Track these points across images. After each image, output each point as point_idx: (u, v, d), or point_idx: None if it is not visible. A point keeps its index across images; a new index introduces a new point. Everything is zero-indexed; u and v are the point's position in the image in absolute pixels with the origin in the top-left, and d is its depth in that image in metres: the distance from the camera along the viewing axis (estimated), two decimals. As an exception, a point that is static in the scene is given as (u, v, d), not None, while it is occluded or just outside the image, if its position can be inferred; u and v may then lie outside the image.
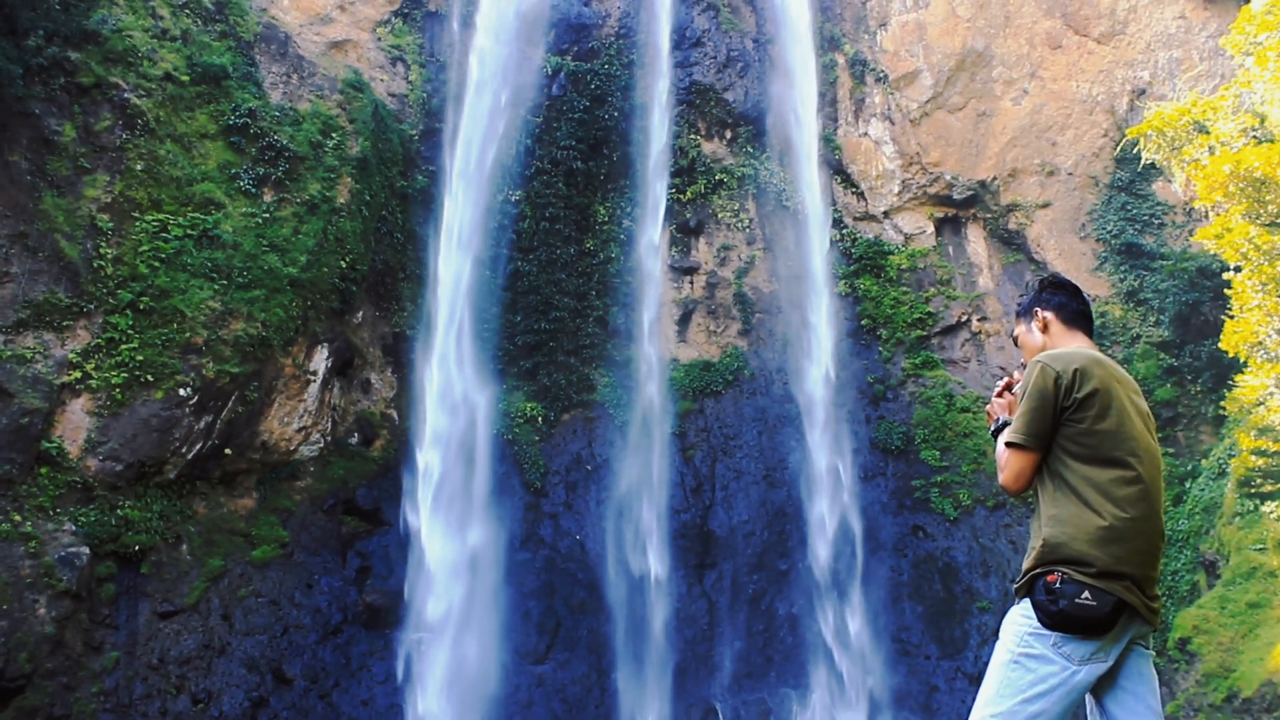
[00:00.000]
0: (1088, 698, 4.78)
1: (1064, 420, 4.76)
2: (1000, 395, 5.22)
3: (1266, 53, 21.32)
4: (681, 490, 26.88)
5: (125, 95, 22.64)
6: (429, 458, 25.82)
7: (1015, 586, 4.85)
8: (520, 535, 25.80)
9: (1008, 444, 4.84)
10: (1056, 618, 4.55)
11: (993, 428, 5.17)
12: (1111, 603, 4.52)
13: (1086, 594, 4.52)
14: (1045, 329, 5.21)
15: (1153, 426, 4.97)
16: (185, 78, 23.81)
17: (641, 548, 25.96)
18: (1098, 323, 27.68)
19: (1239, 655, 18.07)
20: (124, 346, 21.40)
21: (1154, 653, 4.88)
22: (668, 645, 25.20)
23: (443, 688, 23.62)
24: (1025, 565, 4.79)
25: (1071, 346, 5.01)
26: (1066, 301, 5.22)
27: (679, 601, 25.73)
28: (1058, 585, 4.56)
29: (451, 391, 26.48)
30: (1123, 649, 4.67)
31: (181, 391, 21.85)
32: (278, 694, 22.35)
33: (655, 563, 25.85)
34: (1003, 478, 4.87)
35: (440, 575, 24.54)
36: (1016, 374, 5.23)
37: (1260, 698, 17.00)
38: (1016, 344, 5.43)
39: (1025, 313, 5.31)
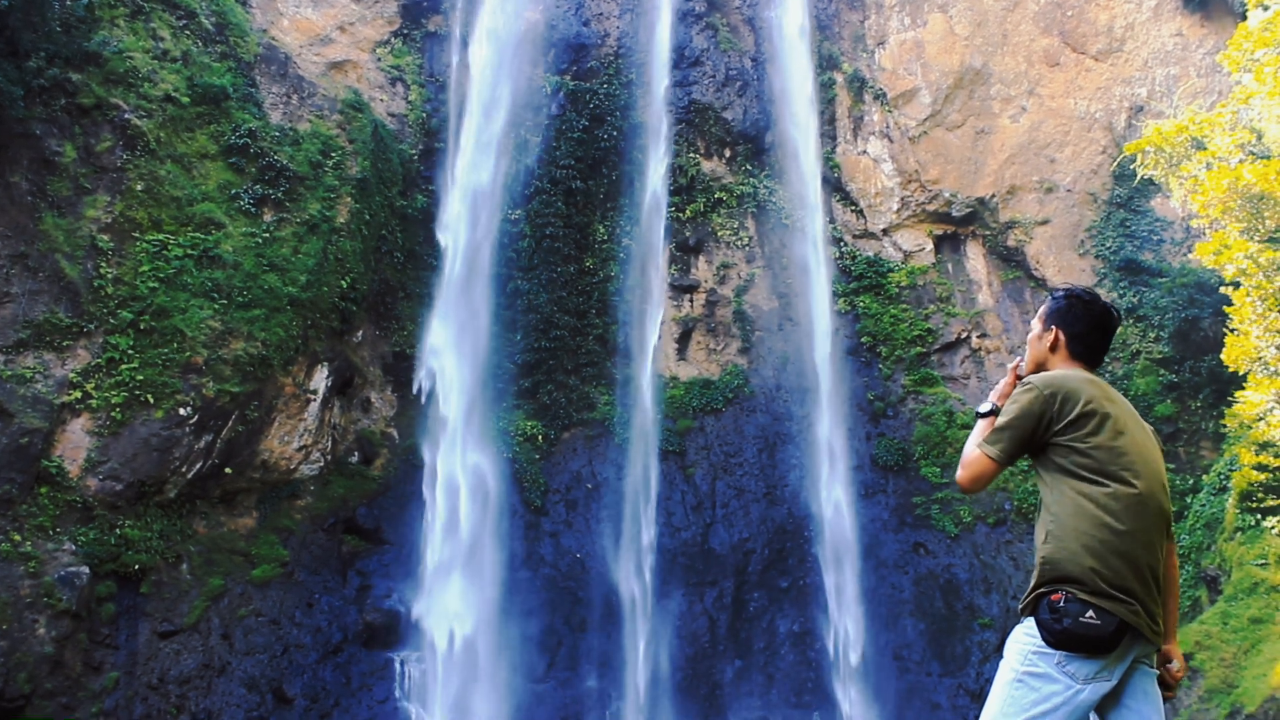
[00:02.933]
0: (1092, 716, 4.77)
1: (1057, 440, 4.78)
2: (1012, 381, 5.27)
3: (1264, 69, 21.40)
4: (682, 508, 26.85)
5: (126, 116, 22.70)
6: (429, 477, 25.79)
7: (1020, 605, 4.84)
8: (521, 554, 25.77)
9: (980, 447, 4.95)
10: (1061, 636, 4.54)
11: (985, 409, 5.20)
12: (1115, 622, 4.51)
13: (1090, 613, 4.51)
14: (1053, 348, 5.19)
15: (1157, 443, 4.98)
16: (185, 98, 23.87)
17: (642, 566, 25.91)
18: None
19: (1242, 671, 18.02)
20: (124, 366, 21.42)
21: (1158, 671, 4.87)
22: (669, 663, 25.13)
23: (443, 707, 23.55)
24: (1031, 585, 4.79)
25: (1067, 371, 5.02)
26: (1083, 334, 5.15)
27: (680, 619, 25.67)
28: (1062, 604, 4.55)
29: (452, 410, 26.46)
30: (1127, 668, 4.67)
31: (182, 411, 21.86)
32: (278, 714, 22.28)
33: (656, 581, 25.80)
34: (962, 475, 5.03)
35: (441, 594, 24.49)
36: (1022, 361, 5.34)
37: (1264, 714, 16.94)
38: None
39: (1045, 320, 5.28)
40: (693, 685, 25.09)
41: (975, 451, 4.98)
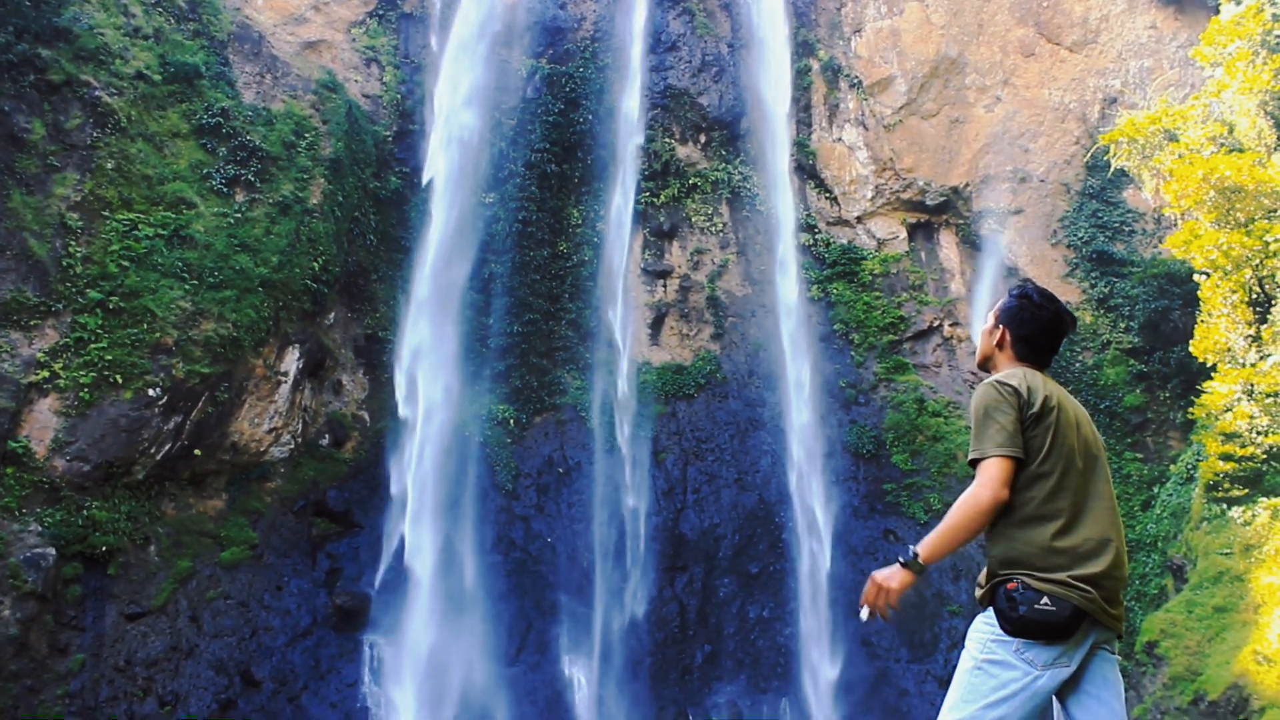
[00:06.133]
0: (1054, 702, 4.81)
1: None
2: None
3: (1235, 63, 21.56)
4: (653, 493, 26.87)
5: (96, 93, 22.46)
6: (400, 460, 25.72)
7: (979, 595, 4.88)
8: (491, 538, 25.73)
9: (985, 458, 4.73)
10: (1017, 624, 4.58)
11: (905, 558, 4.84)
12: (1070, 608, 4.55)
13: (1046, 600, 4.55)
14: (999, 345, 5.21)
15: (1099, 441, 5.02)
16: (157, 76, 23.65)
17: (613, 551, 25.92)
18: (1068, 329, 27.81)
19: (1206, 658, 18.21)
20: (93, 346, 21.22)
21: (1120, 657, 4.91)
22: (639, 648, 25.17)
23: (412, 691, 23.52)
24: (985, 573, 4.83)
25: (1014, 369, 5.03)
26: (1027, 337, 5.12)
27: (650, 604, 25.71)
28: (1017, 592, 4.59)
29: (424, 394, 26.37)
30: (1086, 653, 4.71)
31: (151, 392, 21.69)
32: (246, 696, 22.20)
33: (626, 566, 25.83)
34: (991, 492, 4.66)
35: (410, 577, 24.44)
36: None
37: (1226, 700, 17.13)
38: None
39: (997, 315, 5.29)
40: (663, 670, 25.15)
41: (985, 466, 4.73)
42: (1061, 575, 4.59)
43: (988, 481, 4.69)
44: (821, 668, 25.35)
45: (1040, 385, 4.85)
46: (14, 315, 20.78)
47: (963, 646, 4.86)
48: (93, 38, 22.76)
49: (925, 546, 4.75)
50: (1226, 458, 19.74)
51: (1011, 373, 4.95)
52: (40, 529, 20.34)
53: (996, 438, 4.74)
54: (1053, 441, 4.76)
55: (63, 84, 22.18)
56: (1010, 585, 4.62)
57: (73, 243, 21.59)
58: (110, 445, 21.27)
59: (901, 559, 4.79)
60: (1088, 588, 4.60)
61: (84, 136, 22.22)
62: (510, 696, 24.18)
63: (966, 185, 30.17)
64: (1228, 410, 19.91)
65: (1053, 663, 4.61)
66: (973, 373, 28.78)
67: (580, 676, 24.76)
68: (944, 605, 25.59)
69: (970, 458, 4.84)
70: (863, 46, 31.36)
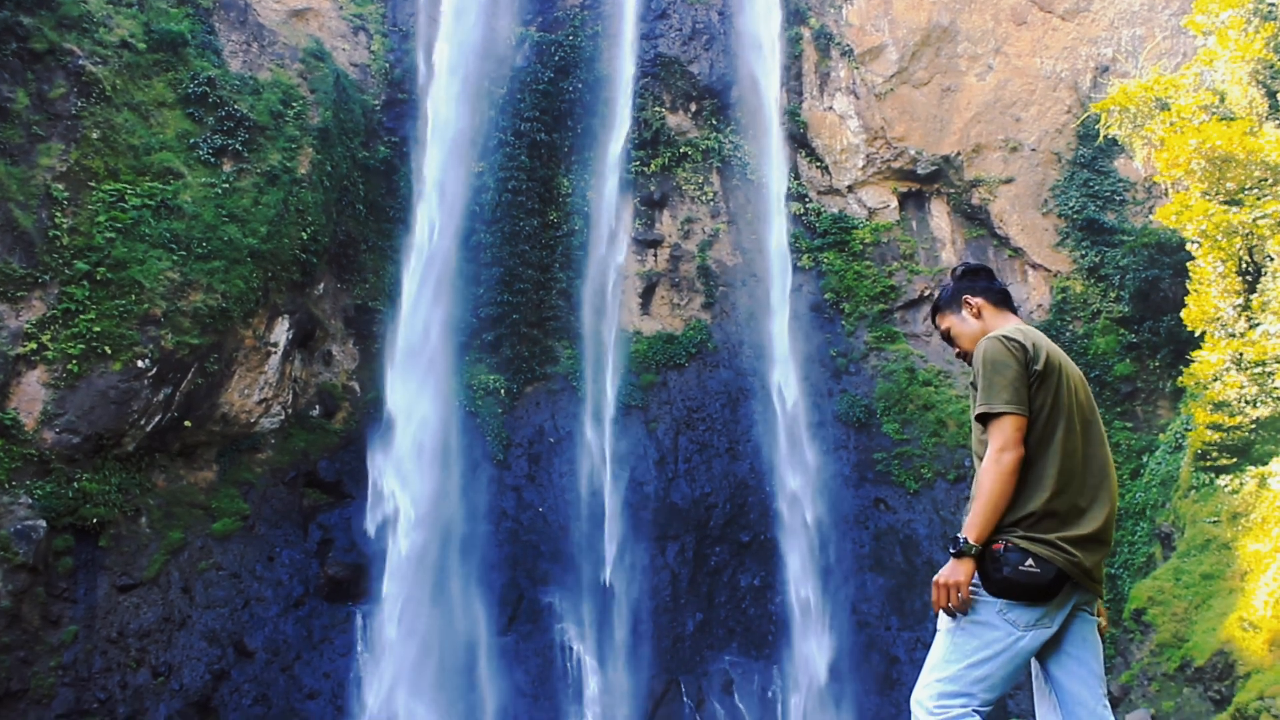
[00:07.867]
0: (1033, 662, 4.83)
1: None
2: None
3: (1227, 32, 21.50)
4: (644, 462, 26.91)
5: (80, 62, 22.28)
6: (391, 430, 25.70)
7: None
8: (483, 507, 25.77)
9: (996, 414, 4.67)
10: (1001, 585, 4.57)
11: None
12: (1054, 570, 4.56)
13: (1030, 561, 4.55)
14: (979, 314, 5.19)
15: (1094, 404, 4.99)
16: (142, 45, 23.46)
17: (604, 520, 25.98)
18: (1059, 298, 27.91)
19: (1192, 626, 18.34)
20: (81, 317, 21.15)
21: (1099, 619, 4.91)
22: (631, 617, 25.27)
23: (404, 660, 23.60)
24: None
25: (1010, 325, 5.01)
26: (990, 285, 5.25)
27: (641, 573, 25.79)
28: (1002, 553, 4.58)
29: (414, 363, 26.32)
30: (1068, 615, 4.72)
31: (140, 363, 21.63)
32: (239, 666, 22.28)
33: (618, 535, 25.89)
34: (1013, 453, 4.62)
35: (402, 547, 24.47)
36: None
37: (1212, 666, 17.26)
38: (946, 339, 5.36)
39: (951, 303, 5.26)
40: (655, 638, 25.26)
41: (999, 424, 4.67)
42: (1051, 536, 4.59)
43: (1006, 443, 4.64)
44: (812, 636, 25.48)
45: (1043, 343, 4.82)
46: (0, 287, 20.68)
47: None
48: (76, 5, 22.55)
49: (971, 529, 4.61)
50: (1215, 427, 19.79)
51: (1014, 328, 4.92)
52: (30, 501, 20.32)
53: (1004, 394, 4.68)
54: (1054, 402, 4.73)
55: (46, 52, 21.98)
56: (995, 546, 4.60)
57: (59, 213, 21.47)
58: (100, 417, 21.24)
59: (953, 550, 4.65)
60: (1074, 551, 4.60)
61: (68, 106, 22.05)
62: (502, 665, 24.30)
63: (958, 154, 30.08)
64: (1216, 380, 19.94)
65: (1035, 624, 4.62)
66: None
67: (572, 645, 24.87)
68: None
69: (980, 411, 4.74)
70: (854, 14, 31.17)
